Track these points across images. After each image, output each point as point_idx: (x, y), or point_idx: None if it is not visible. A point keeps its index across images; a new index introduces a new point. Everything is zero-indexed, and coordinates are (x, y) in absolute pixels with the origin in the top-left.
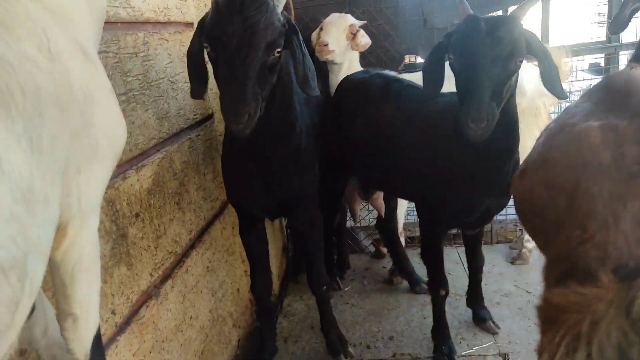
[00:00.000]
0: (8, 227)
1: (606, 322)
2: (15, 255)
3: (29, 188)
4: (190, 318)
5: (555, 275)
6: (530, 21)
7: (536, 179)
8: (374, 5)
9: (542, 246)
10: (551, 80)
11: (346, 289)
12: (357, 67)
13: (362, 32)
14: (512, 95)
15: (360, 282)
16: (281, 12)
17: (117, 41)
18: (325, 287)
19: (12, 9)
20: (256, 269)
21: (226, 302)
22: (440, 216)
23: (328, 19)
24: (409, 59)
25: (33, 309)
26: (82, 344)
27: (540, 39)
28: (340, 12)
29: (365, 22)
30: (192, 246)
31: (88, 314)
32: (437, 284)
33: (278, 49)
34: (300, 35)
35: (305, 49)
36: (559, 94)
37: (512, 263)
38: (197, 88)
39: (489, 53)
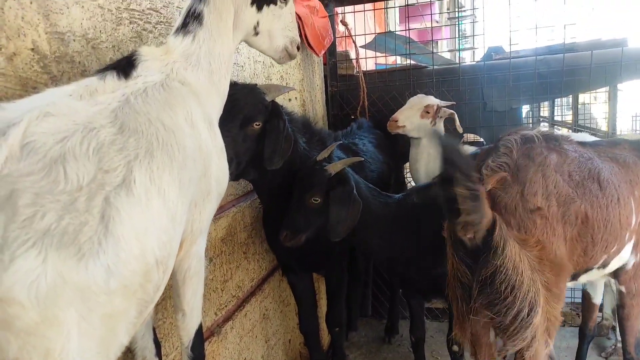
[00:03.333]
0: (165, 236)
1: None
2: (165, 255)
3: (175, 213)
4: (245, 359)
5: None
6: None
7: None
8: (437, 88)
9: None
10: None
11: None
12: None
13: (443, 109)
14: None
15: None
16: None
17: None
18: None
19: (174, 93)
20: (302, 308)
21: (278, 350)
22: None
23: (411, 99)
24: (467, 137)
25: None
26: (188, 333)
27: None
28: (404, 93)
29: (453, 102)
30: (252, 293)
31: (192, 311)
32: None
33: (255, 124)
34: (283, 119)
35: (284, 131)
36: None
37: (606, 358)
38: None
39: None
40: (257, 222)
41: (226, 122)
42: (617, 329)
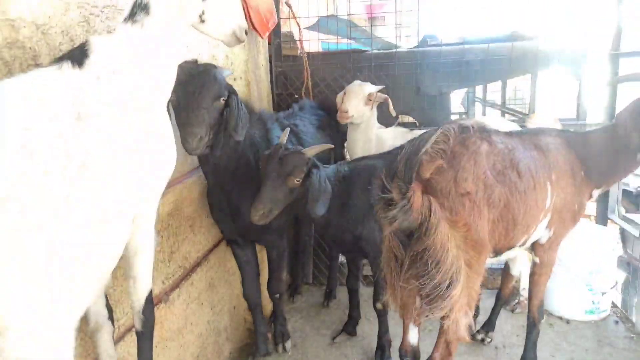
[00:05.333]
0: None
1: None
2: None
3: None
4: (191, 324)
5: None
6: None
7: None
8: (375, 73)
9: None
10: None
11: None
12: (374, 124)
13: (379, 95)
14: None
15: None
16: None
17: None
18: (277, 295)
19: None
20: (245, 276)
21: (222, 318)
22: None
23: (350, 87)
24: (402, 118)
25: None
26: (139, 299)
27: None
28: (346, 75)
29: (383, 86)
30: (198, 263)
31: (143, 278)
32: None
33: (222, 99)
34: (237, 97)
35: (241, 106)
36: None
37: (512, 311)
38: None
39: None
40: (203, 197)
41: (199, 97)
42: (521, 289)
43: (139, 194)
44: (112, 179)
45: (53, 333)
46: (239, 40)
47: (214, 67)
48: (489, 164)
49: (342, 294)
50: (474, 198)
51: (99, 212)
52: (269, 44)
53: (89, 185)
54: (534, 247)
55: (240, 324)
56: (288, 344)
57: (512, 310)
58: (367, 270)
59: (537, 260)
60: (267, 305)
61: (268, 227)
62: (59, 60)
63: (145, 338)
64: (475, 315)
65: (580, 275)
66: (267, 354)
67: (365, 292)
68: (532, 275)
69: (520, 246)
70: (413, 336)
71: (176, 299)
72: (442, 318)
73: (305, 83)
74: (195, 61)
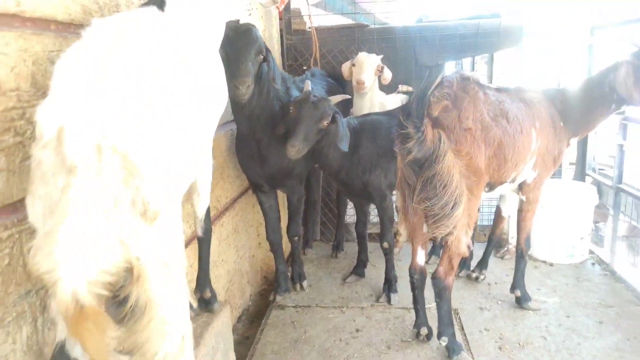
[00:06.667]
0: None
1: None
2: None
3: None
4: (222, 261)
5: None
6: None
7: None
8: (377, 44)
9: None
10: None
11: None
12: (377, 92)
13: (386, 68)
14: None
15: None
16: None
17: None
18: (296, 237)
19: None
20: (268, 220)
21: (244, 261)
22: None
23: (360, 58)
24: (401, 87)
25: None
26: (201, 210)
27: None
28: (350, 47)
29: (382, 55)
30: (227, 208)
31: (205, 194)
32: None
33: (261, 55)
34: (271, 55)
35: (274, 62)
36: None
37: (501, 258)
38: None
39: None
40: (230, 149)
41: (246, 51)
42: (509, 237)
43: (206, 123)
44: (191, 109)
45: (177, 218)
46: (273, 2)
47: (254, 26)
48: (485, 110)
49: (348, 248)
50: (474, 134)
51: (187, 133)
52: (280, 19)
53: (179, 112)
54: (522, 187)
55: (258, 272)
56: (305, 283)
57: (502, 257)
58: (370, 229)
59: (523, 198)
60: (286, 249)
61: (290, 173)
62: (146, 4)
63: (204, 242)
64: (470, 258)
65: (562, 223)
66: (287, 290)
67: (370, 245)
68: (519, 212)
69: (510, 182)
70: (420, 257)
71: (212, 235)
72: (446, 236)
73: (314, 54)
74: (238, 21)
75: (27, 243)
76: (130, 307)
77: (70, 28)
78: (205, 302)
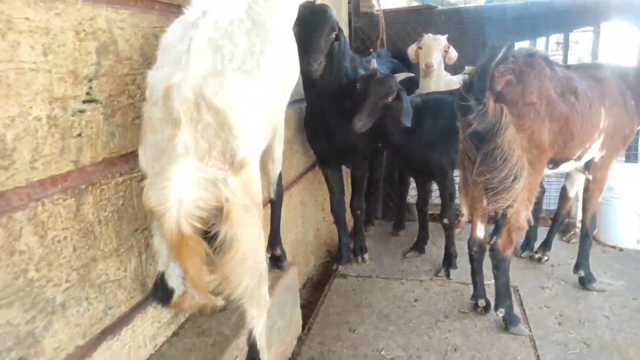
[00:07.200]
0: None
1: None
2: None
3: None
4: (289, 230)
5: None
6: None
7: None
8: (445, 26)
9: None
10: None
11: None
12: (443, 72)
13: (452, 48)
14: None
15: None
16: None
17: None
18: (359, 211)
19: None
20: (332, 195)
21: (308, 234)
22: None
23: (427, 41)
24: (468, 69)
25: None
26: (275, 174)
27: None
28: (417, 29)
29: (447, 35)
30: (294, 181)
31: (278, 159)
32: None
33: (334, 33)
34: (343, 34)
35: (345, 41)
36: None
37: (567, 242)
38: None
39: None
40: (299, 125)
41: (320, 29)
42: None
43: (283, 92)
44: (275, 76)
45: (257, 171)
46: None
47: (329, 7)
48: (552, 86)
49: (409, 227)
50: (538, 109)
51: (270, 97)
52: (349, 3)
53: (265, 77)
54: (589, 166)
55: (321, 245)
56: (366, 256)
57: (568, 241)
58: (431, 209)
59: (590, 177)
60: (348, 224)
61: (355, 148)
62: None
63: (276, 205)
64: (533, 240)
65: (633, 207)
66: (349, 261)
67: (430, 225)
68: (585, 191)
69: (575, 160)
70: (480, 231)
71: None
72: (506, 209)
73: (381, 37)
74: (313, 2)
75: (136, 189)
76: (220, 242)
77: (170, 8)
78: (275, 259)
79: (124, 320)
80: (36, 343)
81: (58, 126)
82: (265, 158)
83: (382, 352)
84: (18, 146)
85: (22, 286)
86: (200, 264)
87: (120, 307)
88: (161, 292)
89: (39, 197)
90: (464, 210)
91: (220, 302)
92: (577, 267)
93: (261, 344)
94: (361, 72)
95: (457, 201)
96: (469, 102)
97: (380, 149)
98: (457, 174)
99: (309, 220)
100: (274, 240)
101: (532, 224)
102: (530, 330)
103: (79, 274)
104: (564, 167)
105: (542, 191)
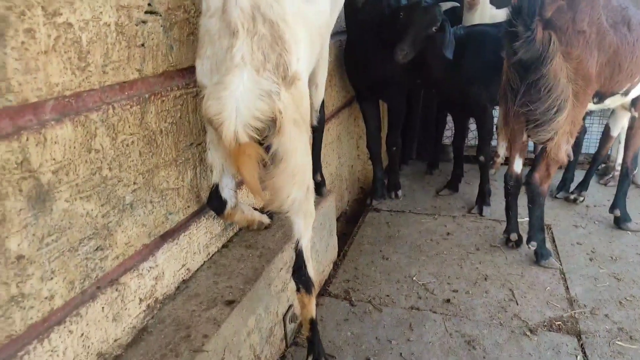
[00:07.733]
0: None
1: None
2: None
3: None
4: (327, 163)
5: None
6: None
7: None
8: None
9: None
10: None
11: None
12: (488, 5)
13: None
14: None
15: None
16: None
17: None
18: (394, 147)
19: None
20: (369, 129)
21: (343, 170)
22: None
23: None
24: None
25: None
26: (318, 101)
27: None
28: None
29: None
30: (332, 115)
31: (321, 85)
32: None
33: (435, 27)
34: (449, 24)
35: (450, 31)
36: None
37: (605, 184)
38: None
39: None
40: (339, 59)
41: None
42: (616, 164)
43: (330, 16)
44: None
45: (306, 88)
46: None
47: None
48: (604, 14)
49: (443, 167)
50: (588, 38)
51: (320, 17)
52: None
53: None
54: (635, 103)
55: (355, 181)
56: (400, 192)
57: (606, 184)
58: (466, 150)
59: (636, 115)
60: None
61: (392, 80)
62: None
63: (318, 131)
64: (570, 181)
65: None
66: (383, 197)
67: (465, 166)
68: (629, 129)
69: (622, 94)
70: (517, 165)
71: None
72: (546, 142)
73: None
74: None
75: (192, 104)
76: (272, 154)
77: None
78: (315, 185)
79: (182, 226)
80: (110, 236)
81: (124, 34)
82: (309, 84)
83: (414, 278)
84: (91, 49)
85: (99, 182)
86: (256, 169)
87: (179, 214)
88: (216, 202)
89: (110, 101)
90: (501, 150)
91: (266, 220)
92: (613, 207)
93: (307, 255)
94: (404, 1)
95: (493, 143)
96: (516, 28)
97: (418, 87)
98: (496, 114)
99: (344, 155)
100: (315, 166)
101: (572, 158)
102: (561, 265)
103: (144, 178)
104: (610, 102)
105: (584, 130)
